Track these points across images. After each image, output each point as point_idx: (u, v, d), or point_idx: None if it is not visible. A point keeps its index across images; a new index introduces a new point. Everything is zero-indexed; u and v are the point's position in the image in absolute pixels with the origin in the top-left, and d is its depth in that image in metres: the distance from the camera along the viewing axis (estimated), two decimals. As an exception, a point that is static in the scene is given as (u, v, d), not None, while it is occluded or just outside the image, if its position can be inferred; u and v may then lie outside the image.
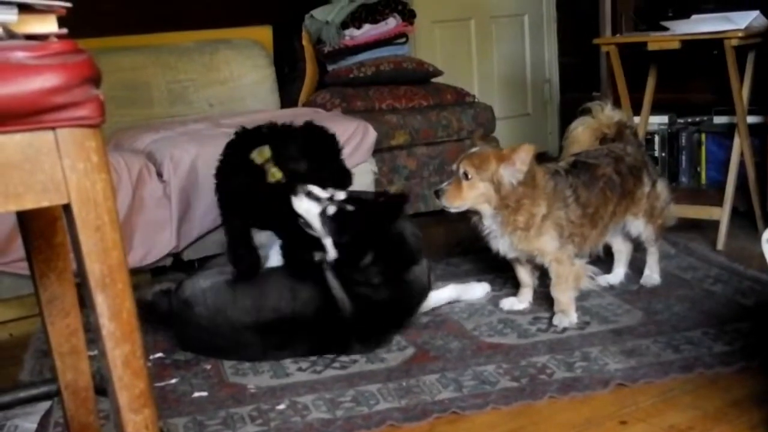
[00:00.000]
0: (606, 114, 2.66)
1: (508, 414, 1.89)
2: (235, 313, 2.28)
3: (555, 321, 2.40)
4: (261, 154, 2.42)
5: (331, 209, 2.27)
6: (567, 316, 2.39)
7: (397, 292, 2.33)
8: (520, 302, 2.56)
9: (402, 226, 2.35)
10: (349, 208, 2.28)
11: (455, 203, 2.35)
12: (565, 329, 2.36)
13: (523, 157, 2.27)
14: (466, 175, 2.32)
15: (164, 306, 2.42)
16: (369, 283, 2.28)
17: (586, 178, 2.43)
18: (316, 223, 2.29)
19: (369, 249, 2.26)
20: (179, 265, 3.07)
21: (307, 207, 2.29)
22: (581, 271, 2.43)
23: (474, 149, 2.40)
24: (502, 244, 2.41)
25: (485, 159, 2.31)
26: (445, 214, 2.44)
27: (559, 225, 2.36)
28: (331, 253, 2.28)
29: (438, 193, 2.37)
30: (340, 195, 2.31)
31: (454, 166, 2.38)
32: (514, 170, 2.28)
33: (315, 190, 2.30)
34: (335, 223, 2.26)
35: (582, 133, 2.66)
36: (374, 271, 2.27)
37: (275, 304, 2.28)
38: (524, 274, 2.54)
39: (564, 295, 2.41)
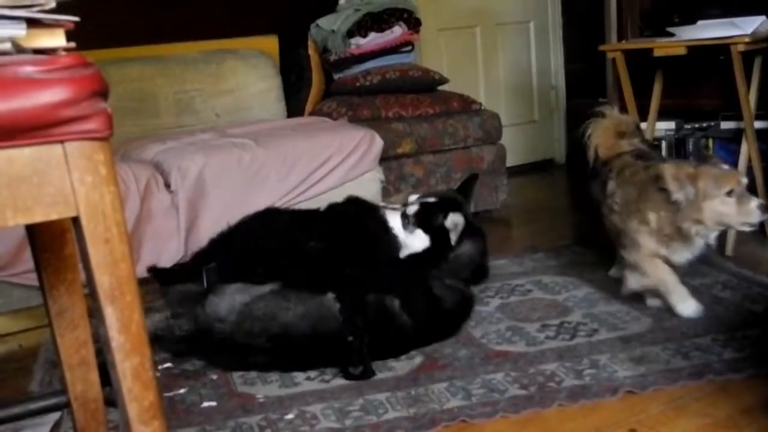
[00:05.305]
0: (618, 114, 2.74)
1: (517, 422, 1.89)
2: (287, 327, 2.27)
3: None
4: None
5: (412, 208, 2.67)
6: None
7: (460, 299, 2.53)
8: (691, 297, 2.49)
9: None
10: (430, 199, 2.73)
11: None
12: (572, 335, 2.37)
13: None
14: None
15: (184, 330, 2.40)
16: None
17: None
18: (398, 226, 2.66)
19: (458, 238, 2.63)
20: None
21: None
22: None
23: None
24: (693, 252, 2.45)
25: None
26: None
27: None
28: (418, 245, 2.57)
29: None
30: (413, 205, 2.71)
31: (730, 188, 2.28)
32: None
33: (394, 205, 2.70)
34: (420, 217, 2.64)
35: (605, 132, 2.69)
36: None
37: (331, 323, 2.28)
38: (673, 275, 2.50)
39: None
